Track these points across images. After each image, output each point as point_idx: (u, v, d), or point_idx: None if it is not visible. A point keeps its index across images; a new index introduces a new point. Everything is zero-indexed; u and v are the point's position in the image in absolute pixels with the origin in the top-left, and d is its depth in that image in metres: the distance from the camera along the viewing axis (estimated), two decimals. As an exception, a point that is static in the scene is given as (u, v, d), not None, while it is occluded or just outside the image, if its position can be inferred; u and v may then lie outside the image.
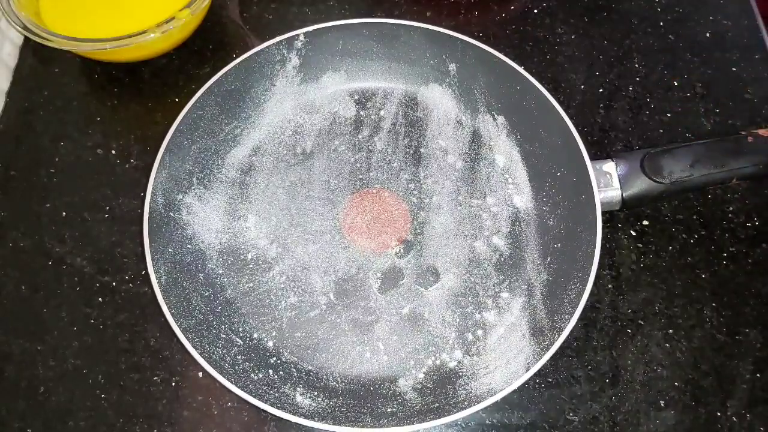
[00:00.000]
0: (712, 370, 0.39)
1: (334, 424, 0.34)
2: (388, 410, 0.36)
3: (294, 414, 0.34)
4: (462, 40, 0.44)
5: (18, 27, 0.42)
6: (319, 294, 0.41)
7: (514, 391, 0.34)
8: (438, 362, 0.39)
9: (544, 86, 0.42)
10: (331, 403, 0.36)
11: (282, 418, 0.34)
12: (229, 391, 0.34)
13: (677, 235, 0.42)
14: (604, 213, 0.39)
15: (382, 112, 0.47)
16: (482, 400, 0.34)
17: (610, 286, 0.41)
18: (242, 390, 0.34)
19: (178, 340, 0.35)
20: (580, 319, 0.36)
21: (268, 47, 0.44)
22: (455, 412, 0.34)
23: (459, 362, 0.39)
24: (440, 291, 0.41)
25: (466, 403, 0.35)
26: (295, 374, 0.38)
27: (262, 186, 0.44)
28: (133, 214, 0.43)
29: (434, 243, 0.42)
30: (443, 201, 0.44)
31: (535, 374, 0.35)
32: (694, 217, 0.43)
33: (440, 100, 0.47)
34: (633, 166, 0.40)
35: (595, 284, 0.37)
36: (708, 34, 0.51)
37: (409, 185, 0.44)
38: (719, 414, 0.38)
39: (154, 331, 0.40)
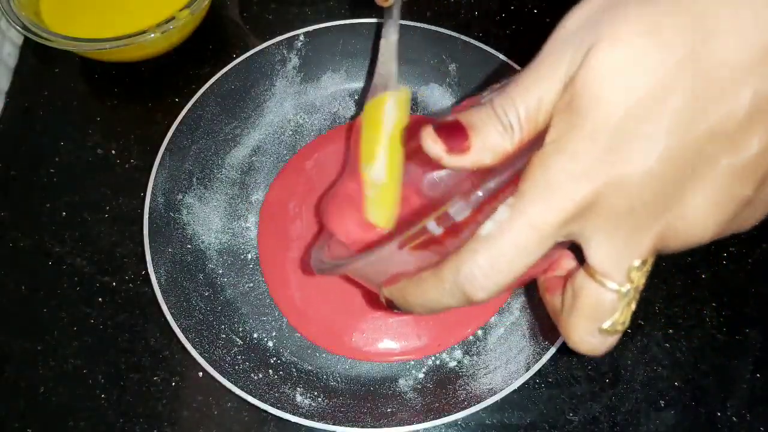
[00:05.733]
0: (712, 370, 0.39)
1: (334, 424, 0.34)
2: (388, 410, 0.36)
3: (294, 414, 0.34)
4: (462, 40, 0.44)
5: (18, 27, 0.42)
6: (319, 294, 0.41)
7: (514, 391, 0.35)
8: (438, 362, 0.39)
9: (544, 86, 0.42)
10: (331, 403, 0.36)
11: (282, 418, 0.34)
12: (229, 391, 0.34)
13: (677, 235, 0.42)
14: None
15: (382, 112, 0.47)
16: (482, 400, 0.34)
17: (610, 286, 0.41)
18: (242, 390, 0.34)
19: (178, 340, 0.35)
20: (580, 319, 0.36)
21: (268, 47, 0.44)
22: (455, 412, 0.34)
23: (459, 362, 0.39)
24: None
25: (466, 403, 0.35)
26: (295, 374, 0.38)
27: (262, 186, 0.44)
28: (133, 214, 0.43)
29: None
30: (443, 201, 0.44)
31: (535, 374, 0.35)
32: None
33: (440, 100, 0.47)
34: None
35: (595, 284, 0.37)
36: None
37: (409, 185, 0.44)
38: (719, 414, 0.38)
39: (154, 331, 0.40)
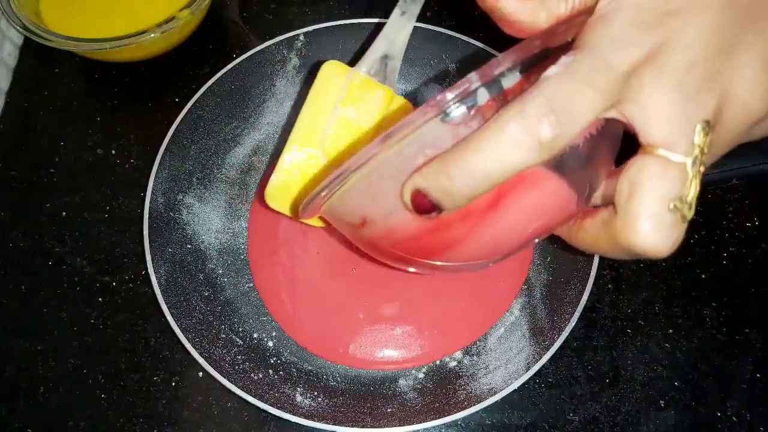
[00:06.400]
0: (712, 370, 0.39)
1: (334, 424, 0.34)
2: (388, 410, 0.36)
3: (294, 414, 0.34)
4: (462, 40, 0.44)
5: (18, 27, 0.42)
6: (319, 294, 0.41)
7: (514, 391, 0.34)
8: (438, 362, 0.39)
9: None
10: (331, 403, 0.36)
11: (282, 418, 0.34)
12: (229, 391, 0.34)
13: (677, 235, 0.42)
14: (604, 213, 0.39)
15: (382, 112, 0.47)
16: (482, 400, 0.34)
17: (610, 286, 0.41)
18: (242, 390, 0.34)
19: (178, 340, 0.35)
20: (580, 319, 0.36)
21: (268, 47, 0.44)
22: (455, 412, 0.34)
23: (459, 362, 0.39)
24: (440, 291, 0.41)
25: (466, 403, 0.35)
26: (295, 374, 0.38)
27: (262, 186, 0.44)
28: (133, 214, 0.43)
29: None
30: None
31: (535, 374, 0.35)
32: (694, 216, 0.43)
33: (440, 100, 0.47)
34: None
35: (595, 284, 0.37)
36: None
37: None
38: (719, 414, 0.38)
39: (154, 331, 0.40)
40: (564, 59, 0.20)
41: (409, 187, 0.22)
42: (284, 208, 0.35)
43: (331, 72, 0.34)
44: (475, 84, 0.20)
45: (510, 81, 0.20)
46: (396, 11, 0.35)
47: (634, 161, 0.21)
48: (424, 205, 0.22)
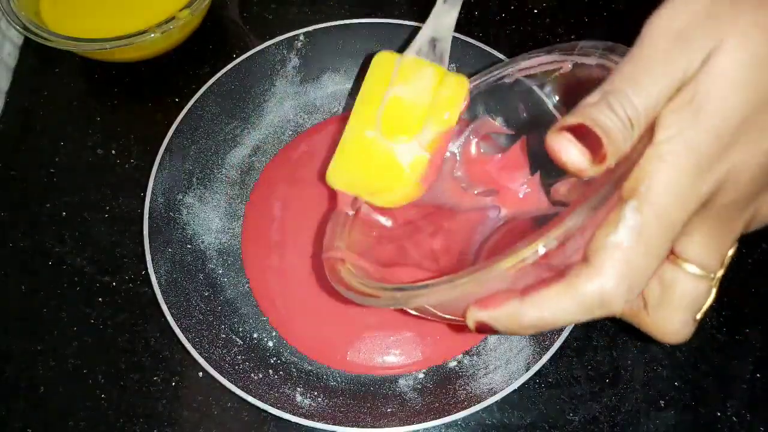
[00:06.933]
0: (712, 370, 0.39)
1: (334, 424, 0.34)
2: (388, 410, 0.36)
3: (294, 414, 0.34)
4: (462, 40, 0.44)
5: (18, 27, 0.42)
6: (319, 294, 0.41)
7: (514, 391, 0.35)
8: (438, 362, 0.39)
9: (544, 86, 0.42)
10: (331, 403, 0.36)
11: (282, 418, 0.34)
12: (229, 391, 0.34)
13: (677, 235, 0.42)
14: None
15: (382, 112, 0.47)
16: (482, 400, 0.34)
17: (610, 286, 0.41)
18: (242, 390, 0.34)
19: (178, 340, 0.35)
20: (580, 319, 0.36)
21: (268, 47, 0.44)
22: (455, 412, 0.34)
23: (459, 362, 0.39)
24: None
25: (466, 403, 0.35)
26: (295, 374, 0.38)
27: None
28: (133, 214, 0.43)
29: (434, 243, 0.42)
30: (443, 201, 0.44)
31: (535, 374, 0.35)
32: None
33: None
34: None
35: (595, 284, 0.37)
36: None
37: (409, 185, 0.44)
38: (719, 414, 0.38)
39: (154, 331, 0.40)
40: (630, 217, 0.21)
41: (475, 320, 0.24)
42: (346, 187, 0.35)
43: (383, 60, 0.34)
44: (551, 244, 0.21)
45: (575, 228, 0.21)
46: (439, 1, 0.35)
47: (665, 268, 0.23)
48: (486, 329, 0.24)
